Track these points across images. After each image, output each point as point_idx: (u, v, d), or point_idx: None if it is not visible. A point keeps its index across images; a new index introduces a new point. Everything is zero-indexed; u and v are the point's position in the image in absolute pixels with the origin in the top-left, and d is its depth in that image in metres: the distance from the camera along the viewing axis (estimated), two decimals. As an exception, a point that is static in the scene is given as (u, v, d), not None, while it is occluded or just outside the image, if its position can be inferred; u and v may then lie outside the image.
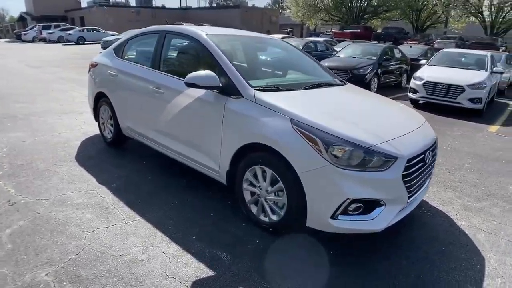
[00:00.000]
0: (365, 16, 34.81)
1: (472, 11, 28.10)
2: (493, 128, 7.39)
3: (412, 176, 2.70)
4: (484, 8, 28.30)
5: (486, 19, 28.73)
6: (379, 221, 2.53)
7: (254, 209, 2.99)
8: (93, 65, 4.77)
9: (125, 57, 4.37)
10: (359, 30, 27.99)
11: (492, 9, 28.08)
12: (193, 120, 3.27)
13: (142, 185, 3.62)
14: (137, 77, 3.93)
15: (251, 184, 2.96)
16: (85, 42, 28.45)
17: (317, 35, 30.08)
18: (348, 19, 34.24)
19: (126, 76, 4.11)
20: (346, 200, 2.45)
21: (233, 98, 2.96)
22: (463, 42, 25.53)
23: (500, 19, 28.21)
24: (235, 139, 2.89)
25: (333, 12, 35.59)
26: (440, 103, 8.43)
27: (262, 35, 4.68)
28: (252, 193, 2.98)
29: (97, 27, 30.00)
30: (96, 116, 4.90)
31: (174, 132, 3.52)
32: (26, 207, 3.05)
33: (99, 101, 4.70)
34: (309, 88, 3.38)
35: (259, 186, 2.88)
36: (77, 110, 6.60)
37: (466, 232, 3.20)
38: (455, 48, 23.81)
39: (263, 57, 4.08)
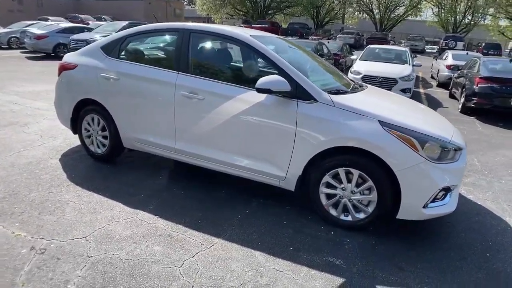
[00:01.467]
0: (269, 11, 36.19)
1: (364, 9, 31.90)
2: (426, 113, 8.50)
3: None
4: (374, 7, 32.50)
5: (376, 16, 33.01)
6: (452, 203, 2.85)
7: (332, 211, 2.95)
8: (68, 67, 3.94)
9: (123, 57, 3.72)
10: (267, 25, 28.97)
11: (381, 8, 32.46)
12: (250, 127, 3.02)
13: (184, 204, 3.18)
14: (156, 81, 3.40)
15: (329, 186, 2.90)
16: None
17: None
18: (254, 14, 35.14)
19: (135, 80, 3.51)
20: (438, 190, 2.67)
21: (306, 103, 2.85)
22: (360, 37, 28.69)
23: (387, 17, 32.85)
24: (314, 144, 2.79)
25: (238, 6, 36.06)
26: (378, 94, 9.32)
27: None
28: (328, 196, 2.93)
29: (-34, 18, 24.59)
30: (75, 128, 4.08)
31: (219, 141, 3.19)
32: (66, 252, 2.40)
33: (82, 110, 3.92)
34: (353, 91, 3.39)
35: (342, 188, 2.86)
36: (17, 121, 5.39)
37: (479, 203, 3.73)
38: (354, 41, 26.61)
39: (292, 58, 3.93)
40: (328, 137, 2.75)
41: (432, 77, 15.31)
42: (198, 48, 3.44)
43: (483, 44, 25.09)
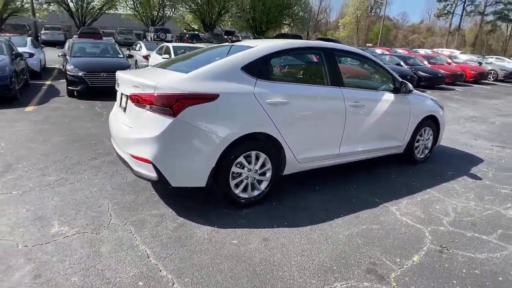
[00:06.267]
0: None
1: (57, 0, 28.24)
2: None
3: None
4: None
5: (72, 9, 30.00)
6: None
7: (418, 155, 4.82)
8: (200, 99, 2.93)
9: (275, 77, 3.55)
10: None
11: (76, 0, 29.84)
12: (389, 117, 4.24)
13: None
14: (326, 97, 3.70)
15: (417, 141, 4.75)
16: None
17: None
18: None
19: (304, 101, 3.52)
20: None
21: (410, 95, 4.47)
22: (65, 31, 26.08)
23: (85, 10, 30.76)
24: (417, 118, 4.53)
25: None
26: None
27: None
28: (416, 147, 4.78)
29: None
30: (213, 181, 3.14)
31: (369, 134, 4.09)
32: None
33: (232, 151, 3.10)
34: None
35: (423, 139, 4.82)
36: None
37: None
38: (64, 37, 24.07)
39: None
40: (423, 111, 4.59)
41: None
42: (340, 64, 3.97)
43: (187, 34, 29.61)
